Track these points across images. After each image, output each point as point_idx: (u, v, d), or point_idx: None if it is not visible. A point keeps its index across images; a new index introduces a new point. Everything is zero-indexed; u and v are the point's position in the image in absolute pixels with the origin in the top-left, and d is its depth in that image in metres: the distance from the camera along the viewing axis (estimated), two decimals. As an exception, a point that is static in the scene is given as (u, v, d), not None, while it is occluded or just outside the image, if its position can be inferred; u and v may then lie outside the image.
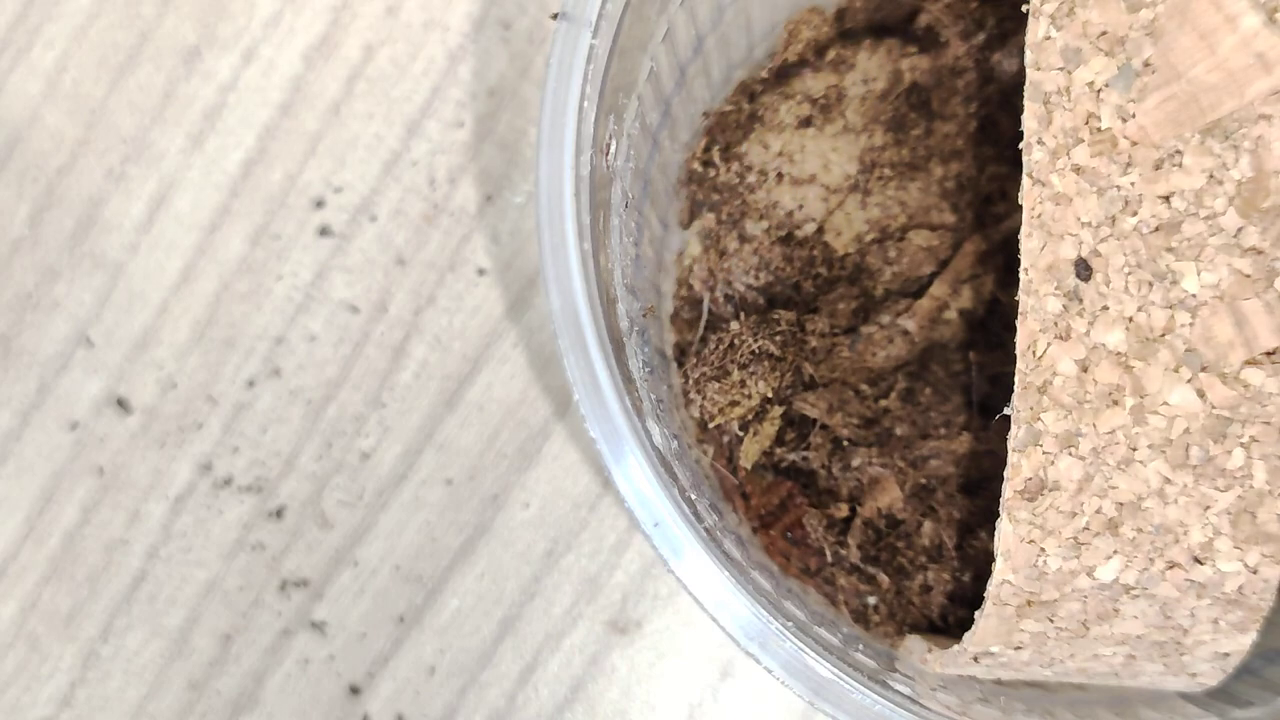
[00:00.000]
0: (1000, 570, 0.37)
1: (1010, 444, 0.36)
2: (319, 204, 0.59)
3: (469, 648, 0.58)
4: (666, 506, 0.36)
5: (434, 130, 0.59)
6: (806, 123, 0.51)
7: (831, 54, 0.51)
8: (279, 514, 0.59)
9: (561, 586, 0.58)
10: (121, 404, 0.60)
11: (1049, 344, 0.36)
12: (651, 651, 0.58)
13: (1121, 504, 0.35)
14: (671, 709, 0.57)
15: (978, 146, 0.49)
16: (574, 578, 0.58)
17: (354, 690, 0.59)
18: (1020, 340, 0.36)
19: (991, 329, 0.49)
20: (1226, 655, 0.37)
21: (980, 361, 0.48)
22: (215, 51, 0.60)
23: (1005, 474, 0.36)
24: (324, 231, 0.59)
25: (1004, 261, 0.49)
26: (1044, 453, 0.36)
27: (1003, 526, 0.36)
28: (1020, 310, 0.36)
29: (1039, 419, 0.36)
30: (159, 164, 0.60)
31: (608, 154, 0.40)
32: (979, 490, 0.47)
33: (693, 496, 0.40)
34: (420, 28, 0.59)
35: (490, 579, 0.58)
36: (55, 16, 0.61)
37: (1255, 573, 0.35)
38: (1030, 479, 0.36)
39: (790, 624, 0.37)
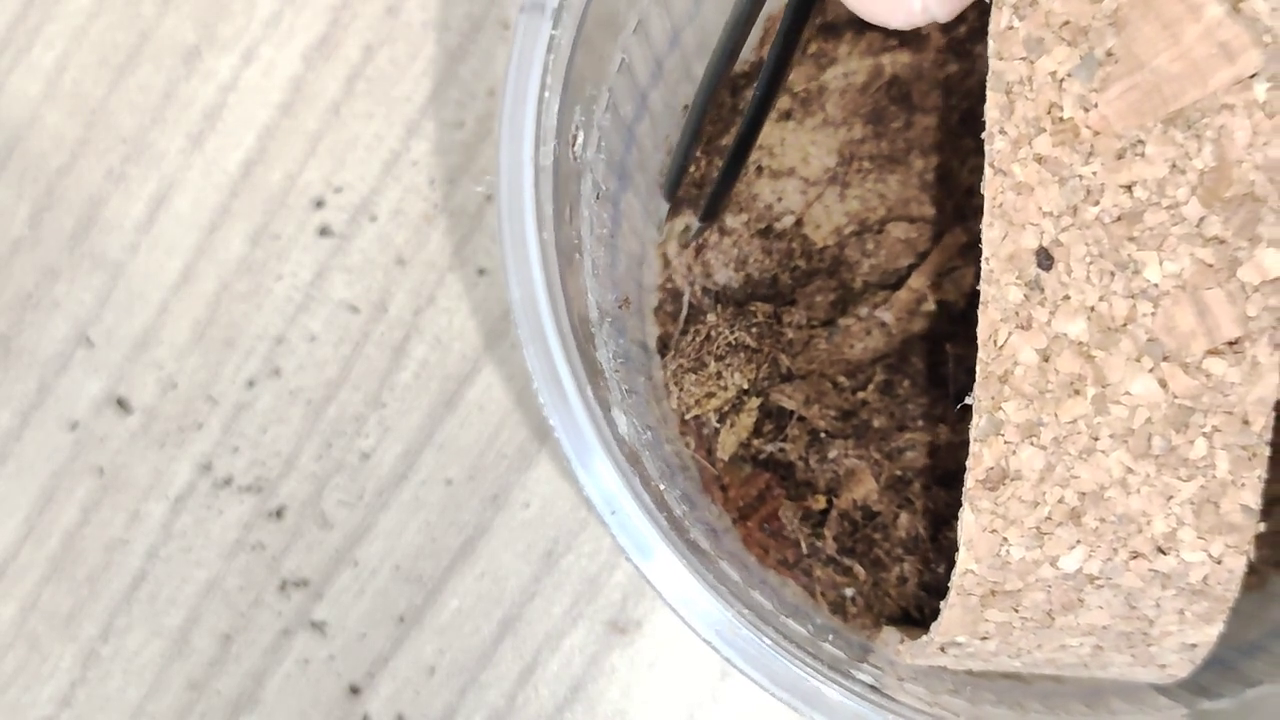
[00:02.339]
0: (963, 560, 0.36)
1: (972, 433, 0.36)
2: (319, 204, 0.60)
3: (469, 648, 0.59)
4: (625, 496, 0.36)
5: (434, 130, 0.59)
6: (786, 116, 0.51)
7: (812, 47, 0.51)
8: (279, 514, 0.60)
9: (561, 586, 0.58)
10: (121, 404, 0.60)
11: (1010, 333, 0.35)
12: (651, 651, 0.58)
13: (1084, 494, 0.35)
14: (671, 709, 0.57)
15: (958, 139, 0.49)
16: (574, 578, 0.58)
17: (354, 690, 0.59)
18: (982, 330, 0.36)
19: (971, 321, 0.48)
20: (1194, 646, 0.37)
21: (958, 353, 0.48)
22: (215, 51, 0.61)
23: (967, 464, 0.36)
24: (324, 231, 0.60)
25: (984, 253, 0.48)
26: (1005, 442, 0.36)
27: (965, 516, 0.36)
28: (981, 300, 0.36)
29: (1000, 408, 0.36)
30: (159, 164, 0.61)
31: (574, 145, 0.40)
32: (954, 482, 0.47)
33: (661, 487, 0.40)
34: (420, 28, 0.60)
35: (490, 579, 0.59)
36: (55, 16, 0.61)
37: (1219, 563, 0.35)
38: (992, 468, 0.36)
39: (750, 613, 0.37)
